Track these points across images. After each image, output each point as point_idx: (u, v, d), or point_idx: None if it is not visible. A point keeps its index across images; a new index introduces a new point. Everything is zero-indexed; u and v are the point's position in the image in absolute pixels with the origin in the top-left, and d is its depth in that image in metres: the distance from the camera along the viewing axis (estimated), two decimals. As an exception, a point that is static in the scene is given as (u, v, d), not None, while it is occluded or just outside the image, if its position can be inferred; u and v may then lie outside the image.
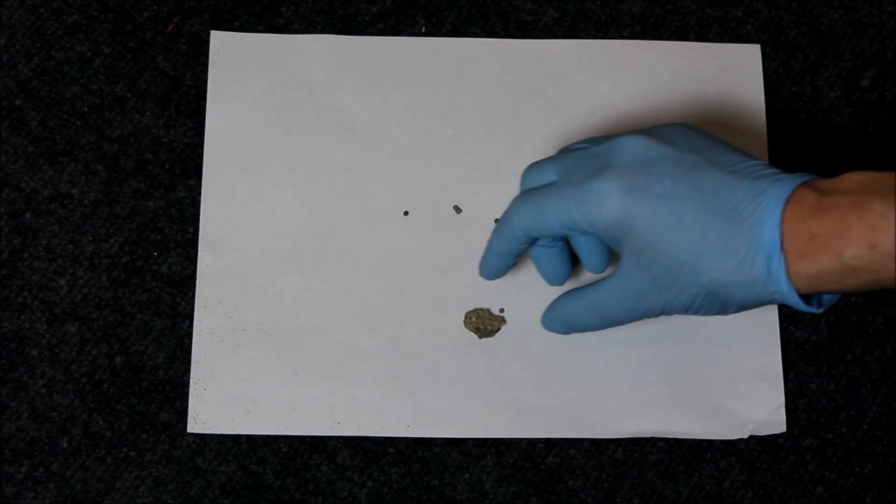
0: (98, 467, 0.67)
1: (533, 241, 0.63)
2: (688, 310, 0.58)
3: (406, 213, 0.71)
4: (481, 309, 0.69)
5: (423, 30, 0.74)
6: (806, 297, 0.56)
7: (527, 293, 0.69)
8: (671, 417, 0.68)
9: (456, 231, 0.70)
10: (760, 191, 0.55)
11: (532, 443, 0.68)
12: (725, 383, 0.68)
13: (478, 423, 0.68)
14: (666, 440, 0.68)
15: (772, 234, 0.54)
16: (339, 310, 0.69)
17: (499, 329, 0.69)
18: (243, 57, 0.73)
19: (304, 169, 0.71)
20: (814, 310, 0.57)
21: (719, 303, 0.57)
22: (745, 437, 0.67)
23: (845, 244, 0.52)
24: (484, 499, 0.67)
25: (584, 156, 0.60)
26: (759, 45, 0.74)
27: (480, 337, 0.69)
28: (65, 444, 0.67)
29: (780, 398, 0.68)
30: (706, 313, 0.59)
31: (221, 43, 0.73)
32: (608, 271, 0.65)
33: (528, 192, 0.62)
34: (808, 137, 0.73)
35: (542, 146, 0.72)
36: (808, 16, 0.75)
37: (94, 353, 0.68)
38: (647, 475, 0.68)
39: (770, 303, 0.57)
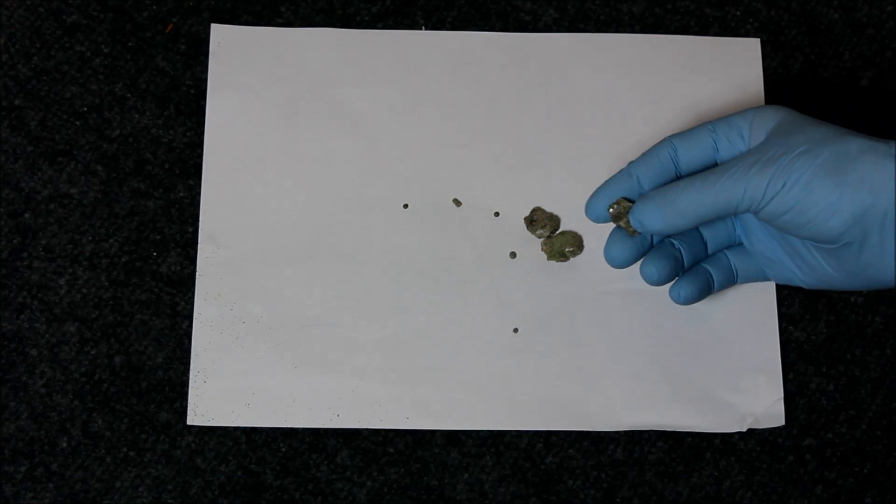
0: (98, 467, 0.67)
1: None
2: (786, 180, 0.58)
3: (406, 206, 0.71)
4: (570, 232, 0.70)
5: (423, 30, 0.74)
6: None
7: (527, 287, 0.70)
8: (670, 411, 0.68)
9: (455, 224, 0.70)
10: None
11: (532, 443, 0.68)
12: (724, 377, 0.68)
13: (477, 415, 0.68)
14: (665, 439, 0.68)
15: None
16: (338, 302, 0.69)
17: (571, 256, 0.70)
18: (244, 50, 0.73)
19: (304, 161, 0.71)
20: None
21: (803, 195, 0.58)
22: (744, 430, 0.68)
23: None
24: (483, 498, 0.67)
25: None
26: (758, 39, 0.74)
27: (550, 258, 0.70)
28: (64, 444, 0.67)
29: (779, 391, 0.68)
30: (780, 213, 0.59)
31: (222, 36, 0.73)
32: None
33: None
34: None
35: (542, 140, 0.72)
36: (807, 15, 0.75)
37: (93, 352, 0.68)
38: (647, 475, 0.68)
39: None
